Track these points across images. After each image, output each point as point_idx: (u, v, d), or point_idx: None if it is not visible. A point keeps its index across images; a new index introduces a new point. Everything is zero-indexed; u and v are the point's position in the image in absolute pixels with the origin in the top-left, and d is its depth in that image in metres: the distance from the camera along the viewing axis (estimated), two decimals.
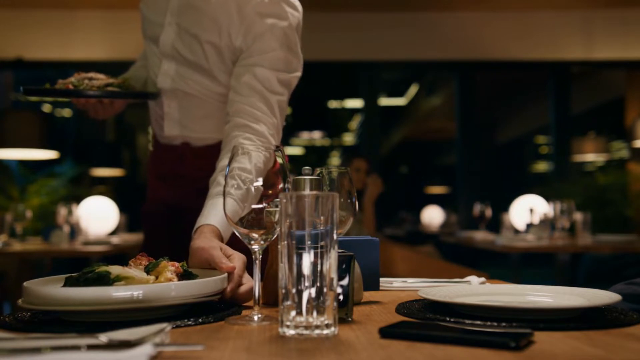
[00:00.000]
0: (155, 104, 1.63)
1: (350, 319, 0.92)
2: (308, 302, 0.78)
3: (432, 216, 8.34)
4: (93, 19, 5.83)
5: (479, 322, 0.84)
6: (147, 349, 0.65)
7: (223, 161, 1.43)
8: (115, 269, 0.92)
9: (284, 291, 0.79)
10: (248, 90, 1.47)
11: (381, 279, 1.32)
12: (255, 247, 0.95)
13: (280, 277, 0.79)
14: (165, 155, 1.67)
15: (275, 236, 0.95)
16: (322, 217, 0.78)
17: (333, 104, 14.03)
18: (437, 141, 13.44)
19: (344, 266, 0.92)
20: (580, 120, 8.74)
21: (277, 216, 0.92)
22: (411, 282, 1.34)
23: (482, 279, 1.34)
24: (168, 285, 0.90)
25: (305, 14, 1.58)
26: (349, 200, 1.22)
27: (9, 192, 5.37)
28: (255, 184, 1.31)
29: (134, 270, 0.94)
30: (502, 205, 4.89)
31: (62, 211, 3.86)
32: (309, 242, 0.78)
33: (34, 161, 5.46)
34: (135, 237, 4.47)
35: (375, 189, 4.29)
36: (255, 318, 0.91)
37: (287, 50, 1.51)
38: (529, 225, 4.27)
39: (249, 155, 1.31)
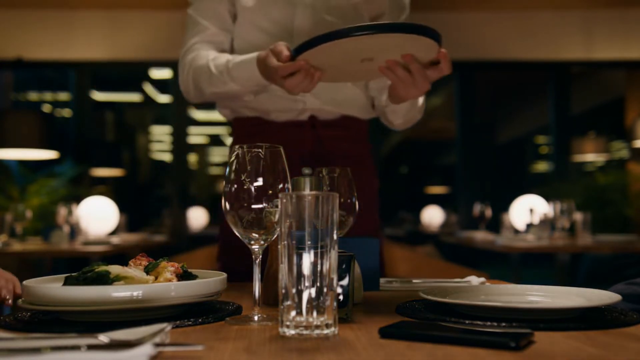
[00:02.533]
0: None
1: (350, 319, 0.92)
2: (308, 302, 0.78)
3: (432, 216, 8.32)
4: (93, 19, 5.83)
5: (479, 322, 0.84)
6: (147, 349, 0.65)
7: None
8: (114, 269, 0.92)
9: (284, 291, 0.79)
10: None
11: (381, 279, 1.32)
12: (255, 247, 0.95)
13: (280, 277, 0.79)
14: (287, 136, 1.56)
15: (275, 236, 0.95)
16: (322, 217, 0.78)
17: None
18: (437, 141, 13.43)
19: (344, 266, 0.92)
20: (580, 120, 8.74)
21: (277, 216, 0.92)
22: (411, 282, 1.34)
23: (482, 279, 1.34)
24: (168, 285, 0.90)
25: None
26: (349, 200, 1.22)
27: (9, 192, 5.37)
28: None
29: (133, 270, 0.94)
30: (502, 205, 4.88)
31: (62, 211, 3.86)
32: (309, 242, 0.78)
33: (34, 161, 5.46)
34: (135, 237, 4.47)
35: None
36: (255, 318, 0.91)
37: None
38: (529, 225, 4.26)
39: None
